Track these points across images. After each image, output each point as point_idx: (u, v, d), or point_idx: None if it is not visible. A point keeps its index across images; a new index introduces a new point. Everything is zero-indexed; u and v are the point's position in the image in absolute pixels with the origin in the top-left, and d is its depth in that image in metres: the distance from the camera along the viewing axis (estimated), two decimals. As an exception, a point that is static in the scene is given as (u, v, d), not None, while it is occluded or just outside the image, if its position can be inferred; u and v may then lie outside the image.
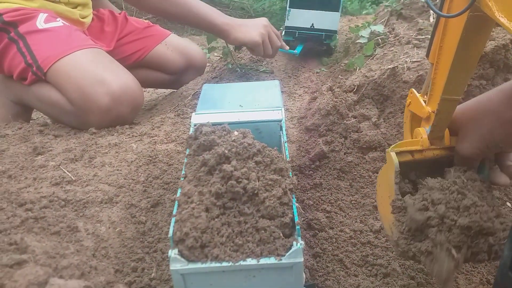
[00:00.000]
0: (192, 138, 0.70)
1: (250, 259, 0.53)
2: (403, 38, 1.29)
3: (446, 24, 0.57)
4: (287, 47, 1.53)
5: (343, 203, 0.94)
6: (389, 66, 1.14)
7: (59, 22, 1.29)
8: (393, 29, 1.42)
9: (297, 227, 0.55)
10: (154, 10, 1.48)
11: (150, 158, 1.02)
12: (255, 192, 0.58)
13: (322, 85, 1.35)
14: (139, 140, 1.11)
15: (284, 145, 0.73)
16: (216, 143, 0.65)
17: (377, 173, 1.01)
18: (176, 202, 0.60)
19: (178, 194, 0.61)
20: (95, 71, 1.18)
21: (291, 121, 1.23)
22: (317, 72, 1.63)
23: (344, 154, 1.03)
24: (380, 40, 1.39)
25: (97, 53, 1.24)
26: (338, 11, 1.58)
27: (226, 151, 0.62)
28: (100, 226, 0.82)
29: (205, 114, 0.81)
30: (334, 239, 0.86)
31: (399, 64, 1.13)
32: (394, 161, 0.62)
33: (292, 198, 0.59)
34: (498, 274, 0.51)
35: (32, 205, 0.82)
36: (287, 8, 1.62)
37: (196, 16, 1.33)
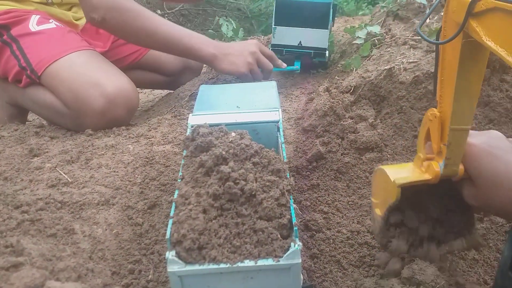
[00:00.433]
0: (189, 140, 0.70)
1: (248, 260, 0.53)
2: (399, 39, 1.29)
3: (444, 57, 0.59)
4: (285, 65, 1.44)
5: (340, 204, 0.94)
6: (386, 67, 1.14)
7: (52, 24, 1.28)
8: (390, 30, 1.42)
9: (295, 228, 0.55)
10: (143, 45, 1.45)
11: (147, 160, 1.02)
12: (253, 193, 0.58)
13: (318, 86, 1.35)
14: (135, 142, 1.11)
15: (281, 146, 0.73)
16: (213, 144, 0.65)
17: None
18: (174, 204, 0.60)
19: (176, 195, 0.61)
20: (89, 74, 1.17)
21: (288, 122, 1.24)
22: (313, 73, 1.63)
23: (341, 155, 1.03)
24: (376, 41, 1.39)
25: (91, 55, 1.24)
26: (327, 29, 1.48)
27: (224, 152, 0.62)
28: (97, 228, 0.82)
29: (202, 115, 0.81)
30: (331, 240, 0.86)
31: (396, 65, 1.13)
32: (396, 196, 0.63)
33: (290, 199, 0.59)
34: (498, 274, 0.51)
35: (28, 207, 0.81)
36: (273, 26, 1.52)
37: (183, 50, 1.28)
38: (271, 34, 1.57)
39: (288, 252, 0.53)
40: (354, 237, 0.86)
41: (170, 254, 0.53)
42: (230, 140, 0.66)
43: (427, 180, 0.64)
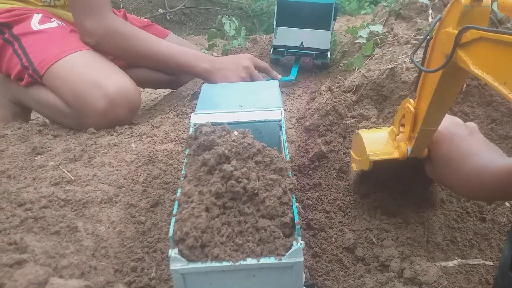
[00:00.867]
0: (192, 138, 0.70)
1: (250, 258, 0.53)
2: (401, 38, 1.29)
3: (426, 75, 0.66)
4: (279, 77, 1.43)
5: (342, 203, 0.94)
6: (388, 66, 1.15)
7: (54, 23, 1.29)
8: (392, 29, 1.42)
9: (297, 226, 0.55)
10: (137, 64, 1.48)
11: (150, 158, 1.02)
12: (255, 192, 0.58)
13: (321, 85, 1.35)
14: (138, 140, 1.11)
15: (283, 145, 0.74)
16: (216, 143, 0.65)
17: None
18: (176, 202, 0.60)
19: (178, 193, 0.61)
20: (90, 74, 1.17)
21: (290, 121, 1.24)
22: (315, 72, 1.64)
23: (343, 154, 1.03)
24: (378, 40, 1.39)
25: (93, 55, 1.24)
26: (329, 30, 1.48)
27: (226, 151, 0.62)
28: (100, 226, 0.82)
29: (204, 114, 0.81)
30: (333, 239, 0.86)
31: (398, 64, 1.13)
32: (368, 166, 0.79)
33: (292, 197, 0.60)
34: (498, 273, 0.51)
35: (31, 205, 0.82)
36: (274, 26, 1.53)
37: (177, 67, 1.31)
38: (273, 34, 1.57)
39: (291, 250, 0.53)
40: (356, 236, 0.86)
41: (173, 252, 0.53)
42: (233, 139, 0.67)
43: (396, 158, 0.78)
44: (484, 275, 0.81)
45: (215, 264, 0.53)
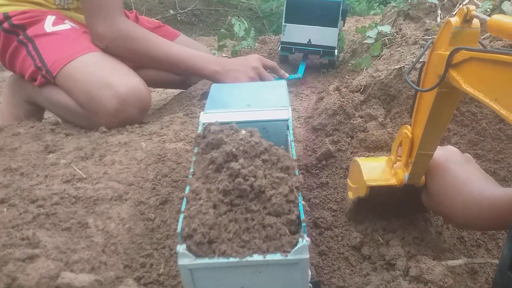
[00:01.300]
0: (200, 137, 0.71)
1: (256, 255, 0.54)
2: (410, 38, 1.29)
3: (421, 96, 0.67)
4: (287, 75, 1.46)
5: (349, 202, 0.95)
6: (396, 67, 1.15)
7: (67, 25, 1.31)
8: (400, 29, 1.42)
9: (303, 224, 0.56)
10: (147, 67, 1.49)
11: (159, 157, 1.04)
12: (262, 189, 0.59)
13: (329, 85, 1.36)
14: (148, 139, 1.13)
15: (290, 144, 0.74)
16: (224, 141, 0.66)
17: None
18: (185, 199, 0.61)
19: (187, 191, 0.62)
20: (102, 75, 1.19)
21: (298, 120, 1.24)
22: (323, 72, 1.64)
23: (351, 154, 1.03)
24: (387, 40, 1.39)
25: (104, 56, 1.26)
26: (336, 27, 1.50)
27: (234, 149, 0.63)
28: (110, 223, 0.84)
29: (213, 113, 0.82)
30: (340, 238, 0.86)
31: (406, 64, 1.13)
32: (365, 192, 0.78)
33: (298, 195, 0.60)
34: (497, 273, 0.51)
35: (43, 202, 0.84)
36: (283, 23, 1.55)
37: (187, 69, 1.34)
38: (281, 34, 1.58)
39: (297, 247, 0.54)
40: (363, 235, 0.87)
41: (181, 248, 0.54)
42: (240, 137, 0.67)
43: (393, 185, 0.77)
44: (491, 274, 0.81)
45: (222, 260, 0.54)
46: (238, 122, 0.75)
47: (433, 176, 0.74)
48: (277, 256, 0.54)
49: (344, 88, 1.21)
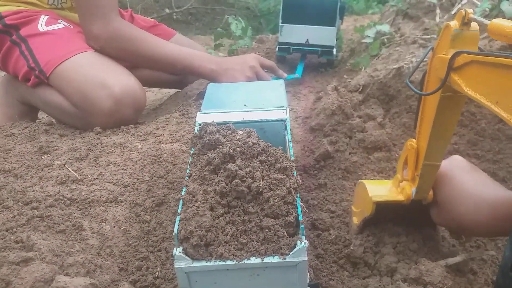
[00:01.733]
0: (197, 137, 0.70)
1: (254, 257, 0.53)
2: (408, 37, 1.29)
3: (425, 102, 0.67)
4: (285, 75, 1.43)
5: (348, 203, 0.94)
6: (395, 66, 1.14)
7: (61, 24, 1.29)
8: (399, 28, 1.42)
9: (301, 226, 0.55)
10: (143, 67, 1.46)
11: (155, 158, 1.03)
12: (260, 191, 0.58)
13: (327, 85, 1.35)
14: (144, 140, 1.12)
15: (288, 145, 0.73)
16: (220, 142, 0.65)
17: (382, 173, 1.01)
18: (181, 201, 0.60)
19: (183, 192, 0.61)
20: (96, 74, 1.18)
21: (296, 121, 1.23)
22: (321, 72, 1.63)
23: (349, 154, 1.02)
24: (385, 39, 1.39)
25: (98, 56, 1.25)
26: (334, 26, 1.47)
27: (231, 150, 0.62)
28: (105, 225, 0.82)
29: (210, 113, 0.81)
30: (338, 239, 0.85)
31: (405, 64, 1.13)
32: (371, 210, 0.75)
33: (296, 197, 0.59)
34: (499, 274, 0.51)
35: (38, 204, 0.82)
36: (280, 24, 1.52)
37: (184, 69, 1.32)
38: (278, 34, 1.57)
39: (295, 249, 0.53)
40: (362, 237, 0.86)
41: (177, 251, 0.54)
42: (238, 138, 0.67)
43: (400, 201, 0.75)
44: (491, 275, 0.80)
45: (219, 263, 0.53)
46: (235, 123, 0.74)
47: (441, 186, 0.73)
48: (275, 259, 0.53)
49: (343, 88, 1.20)
